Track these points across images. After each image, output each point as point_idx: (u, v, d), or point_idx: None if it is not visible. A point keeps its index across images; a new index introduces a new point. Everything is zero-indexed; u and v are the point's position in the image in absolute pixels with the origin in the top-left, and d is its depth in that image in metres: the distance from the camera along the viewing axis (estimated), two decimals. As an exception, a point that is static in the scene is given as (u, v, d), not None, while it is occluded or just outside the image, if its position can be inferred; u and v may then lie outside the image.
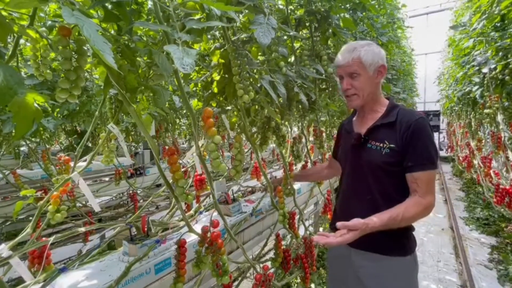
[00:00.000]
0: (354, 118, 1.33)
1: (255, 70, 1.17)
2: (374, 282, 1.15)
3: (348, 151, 1.26)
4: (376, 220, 1.01)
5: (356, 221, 0.99)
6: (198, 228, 1.10)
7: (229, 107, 1.43)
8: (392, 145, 1.09)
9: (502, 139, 3.12)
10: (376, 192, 1.14)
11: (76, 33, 0.75)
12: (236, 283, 1.64)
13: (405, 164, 1.08)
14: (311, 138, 2.60)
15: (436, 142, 11.76)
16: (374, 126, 1.17)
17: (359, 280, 1.20)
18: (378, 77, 1.17)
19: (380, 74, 1.17)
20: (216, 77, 1.29)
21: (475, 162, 4.88)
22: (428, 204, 1.05)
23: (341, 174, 1.35)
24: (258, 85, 1.18)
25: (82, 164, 1.19)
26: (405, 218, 1.02)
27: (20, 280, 0.98)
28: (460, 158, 6.77)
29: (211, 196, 1.52)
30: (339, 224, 0.99)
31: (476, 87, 3.24)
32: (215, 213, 1.13)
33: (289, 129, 2.29)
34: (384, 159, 1.10)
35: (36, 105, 0.62)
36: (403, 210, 1.03)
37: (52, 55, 1.24)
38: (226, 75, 1.25)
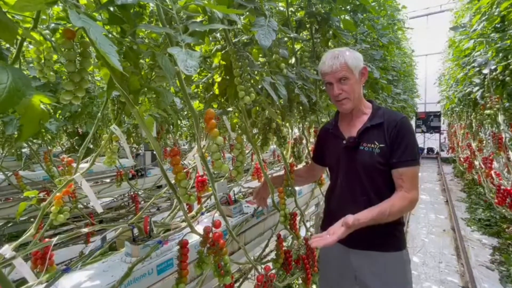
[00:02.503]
0: (338, 123, 1.35)
1: (256, 72, 1.18)
2: (375, 280, 1.18)
3: (341, 154, 1.28)
4: (367, 214, 1.07)
5: (350, 218, 1.05)
6: (199, 229, 1.11)
7: (230, 109, 1.43)
8: (382, 145, 1.15)
9: (503, 139, 3.12)
10: (371, 192, 1.18)
11: (80, 36, 0.76)
12: (237, 284, 1.64)
13: (390, 160, 1.14)
14: (312, 139, 2.61)
15: (437, 143, 11.79)
16: (364, 128, 1.21)
17: (358, 280, 1.22)
18: (362, 79, 1.23)
19: (364, 76, 1.24)
20: (218, 78, 1.30)
21: (476, 163, 4.87)
22: (413, 198, 1.11)
23: (333, 179, 1.36)
24: (259, 86, 1.19)
25: (84, 165, 1.20)
26: (392, 212, 1.08)
27: (23, 281, 0.99)
28: (461, 159, 6.75)
29: (212, 197, 1.52)
30: (342, 221, 1.06)
31: (477, 88, 3.24)
32: (217, 214, 1.13)
33: (290, 130, 2.30)
34: (377, 159, 1.16)
35: (42, 106, 0.63)
36: (390, 205, 1.09)
37: (55, 57, 1.25)
38: (228, 77, 1.26)
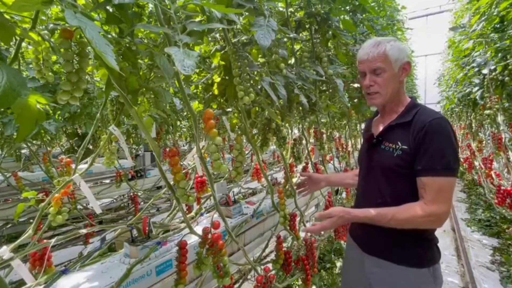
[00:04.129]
0: (375, 118, 1.27)
1: (255, 72, 1.18)
2: None
3: (364, 152, 1.22)
4: (364, 211, 1.03)
5: (333, 209, 1.04)
6: (199, 229, 1.10)
7: (229, 109, 1.43)
8: (404, 147, 1.02)
9: (503, 140, 3.12)
10: (387, 195, 1.08)
11: (78, 36, 0.76)
12: (237, 285, 1.63)
13: (415, 167, 1.00)
14: (312, 140, 2.61)
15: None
16: (388, 126, 1.11)
17: (371, 286, 1.15)
18: (402, 75, 1.10)
19: (405, 72, 1.10)
20: (217, 79, 1.29)
21: (476, 163, 4.88)
22: (433, 212, 0.95)
23: (358, 177, 1.30)
24: (259, 86, 1.19)
25: (83, 166, 1.20)
26: (395, 219, 0.98)
27: (21, 283, 0.98)
28: (461, 159, 6.77)
29: (212, 197, 1.52)
30: (316, 214, 1.06)
31: (476, 88, 3.24)
32: (216, 215, 1.13)
33: (290, 131, 2.30)
34: (396, 161, 1.04)
35: (38, 106, 0.63)
36: (396, 210, 1.00)
37: (54, 57, 1.25)
38: (227, 77, 1.25)
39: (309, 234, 2.03)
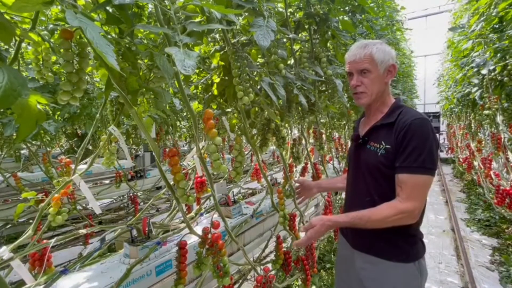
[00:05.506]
0: (362, 119, 1.31)
1: (255, 72, 1.18)
2: (374, 286, 1.14)
3: (352, 152, 1.26)
4: (343, 216, 1.10)
5: (314, 219, 1.08)
6: (198, 230, 1.10)
7: (229, 109, 1.43)
8: (388, 146, 1.07)
9: (502, 140, 3.12)
10: (375, 194, 1.12)
11: (78, 36, 0.76)
12: (237, 285, 1.64)
13: (395, 165, 1.05)
14: (311, 140, 2.61)
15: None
16: (374, 126, 1.16)
17: (361, 282, 1.18)
18: (387, 77, 1.15)
19: (390, 74, 1.15)
20: (216, 79, 1.30)
21: (476, 163, 4.88)
22: (405, 209, 0.99)
23: (347, 176, 1.33)
24: (258, 87, 1.19)
25: (83, 166, 1.20)
26: (372, 220, 1.02)
27: (21, 283, 0.98)
28: (461, 159, 6.77)
29: (211, 198, 1.52)
30: (301, 228, 1.08)
31: (476, 88, 3.25)
32: (216, 215, 1.13)
33: (289, 131, 2.30)
34: (380, 160, 1.08)
35: (38, 107, 0.63)
36: (372, 212, 1.04)
37: (54, 58, 1.25)
38: (226, 77, 1.26)
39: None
